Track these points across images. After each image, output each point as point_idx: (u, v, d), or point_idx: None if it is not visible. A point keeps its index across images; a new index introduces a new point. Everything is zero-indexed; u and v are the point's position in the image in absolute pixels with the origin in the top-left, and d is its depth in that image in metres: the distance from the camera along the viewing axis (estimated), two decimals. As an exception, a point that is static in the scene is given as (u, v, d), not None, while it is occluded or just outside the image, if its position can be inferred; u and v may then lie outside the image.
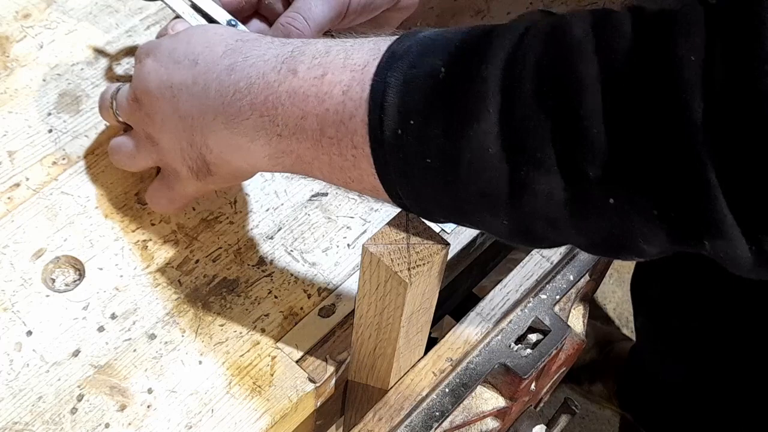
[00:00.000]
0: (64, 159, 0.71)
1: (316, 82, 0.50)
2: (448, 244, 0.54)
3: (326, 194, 0.72)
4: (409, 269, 0.53)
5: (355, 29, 0.74)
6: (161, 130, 0.60)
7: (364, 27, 0.74)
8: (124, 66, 0.77)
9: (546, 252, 0.74)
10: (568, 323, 0.72)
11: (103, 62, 0.77)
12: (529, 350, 0.69)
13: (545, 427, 0.79)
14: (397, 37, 0.49)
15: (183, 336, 0.64)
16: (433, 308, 0.60)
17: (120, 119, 0.65)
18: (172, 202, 0.65)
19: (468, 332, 0.69)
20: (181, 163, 0.61)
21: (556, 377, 0.80)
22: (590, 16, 0.43)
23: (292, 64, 0.52)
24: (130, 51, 0.78)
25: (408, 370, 0.66)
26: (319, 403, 0.65)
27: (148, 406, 0.62)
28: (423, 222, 0.55)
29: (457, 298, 0.87)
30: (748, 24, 0.38)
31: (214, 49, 0.57)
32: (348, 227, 0.70)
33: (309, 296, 0.67)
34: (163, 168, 0.65)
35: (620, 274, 1.72)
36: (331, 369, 0.64)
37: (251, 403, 0.62)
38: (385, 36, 0.51)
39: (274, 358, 0.64)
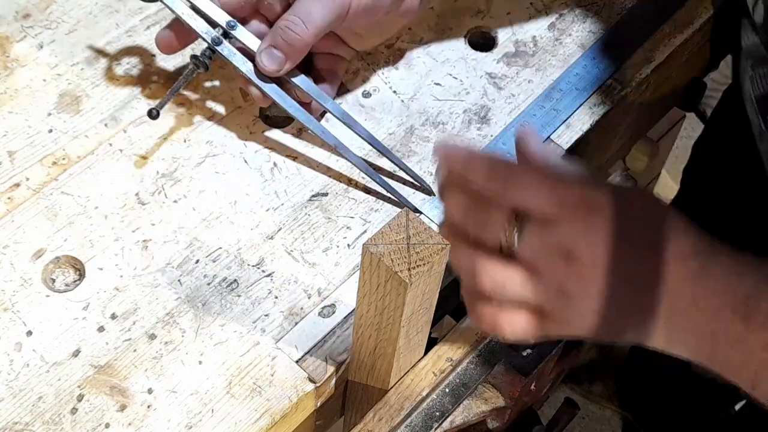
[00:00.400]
0: (64, 159, 0.71)
1: (762, 346, 0.54)
2: (448, 244, 0.54)
3: (326, 194, 0.72)
4: (409, 269, 0.53)
5: (355, 31, 0.74)
6: (592, 297, 0.57)
7: (364, 30, 0.74)
8: (124, 66, 0.77)
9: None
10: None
11: (103, 62, 0.77)
12: (529, 350, 0.69)
13: (545, 427, 0.79)
14: None
15: (183, 336, 0.64)
16: (433, 308, 0.60)
17: (516, 254, 0.59)
18: (509, 331, 0.60)
19: (468, 332, 0.69)
20: (585, 323, 0.59)
21: (556, 377, 0.80)
22: None
23: (746, 312, 0.55)
24: (130, 51, 0.78)
25: (408, 370, 0.66)
26: (319, 403, 0.65)
27: (149, 406, 0.62)
28: (423, 222, 0.55)
29: (457, 298, 0.87)
30: None
31: (680, 244, 0.57)
32: (348, 227, 0.70)
33: (309, 296, 0.67)
34: (543, 309, 0.59)
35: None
36: (331, 369, 0.64)
37: (251, 403, 0.62)
38: None
39: (274, 358, 0.64)
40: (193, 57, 0.71)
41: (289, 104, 0.71)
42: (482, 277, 0.59)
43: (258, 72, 0.70)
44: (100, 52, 0.77)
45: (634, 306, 0.58)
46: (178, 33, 0.71)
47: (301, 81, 0.71)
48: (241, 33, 0.71)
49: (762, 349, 0.56)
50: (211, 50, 0.71)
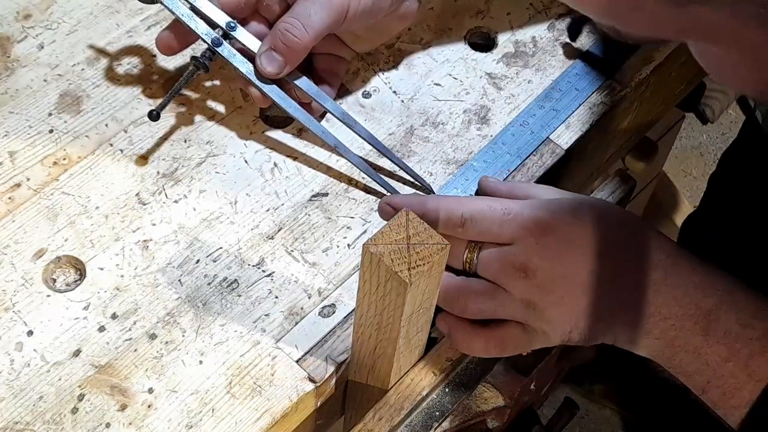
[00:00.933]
0: (65, 159, 0.72)
1: (718, 360, 0.58)
2: (447, 244, 0.54)
3: (326, 194, 0.72)
4: (409, 269, 0.53)
5: (354, 33, 0.74)
6: (554, 305, 0.61)
7: (364, 32, 0.74)
8: (125, 66, 0.77)
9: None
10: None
11: (104, 63, 0.77)
12: (527, 352, 0.69)
13: (545, 426, 0.79)
14: None
15: (183, 336, 0.65)
16: (433, 308, 0.61)
17: (477, 272, 0.63)
18: (503, 350, 0.64)
19: (468, 332, 0.69)
20: (557, 331, 0.62)
21: (555, 377, 0.80)
22: None
23: (707, 325, 0.59)
24: (131, 51, 0.78)
25: (408, 370, 0.66)
26: (319, 403, 0.65)
27: (149, 406, 0.62)
28: (423, 222, 0.55)
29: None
30: None
31: (642, 255, 0.60)
32: (348, 227, 0.71)
33: (309, 296, 0.67)
34: (520, 324, 0.63)
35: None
36: (331, 369, 0.64)
37: (252, 403, 0.62)
38: None
39: (274, 357, 0.64)
40: (194, 58, 0.71)
41: (289, 105, 0.71)
42: (455, 294, 0.64)
43: (258, 73, 0.70)
44: (101, 53, 0.77)
45: (598, 312, 0.61)
46: (178, 34, 0.71)
47: (302, 81, 0.72)
48: (241, 34, 0.71)
49: (717, 362, 0.59)
50: (211, 51, 0.71)
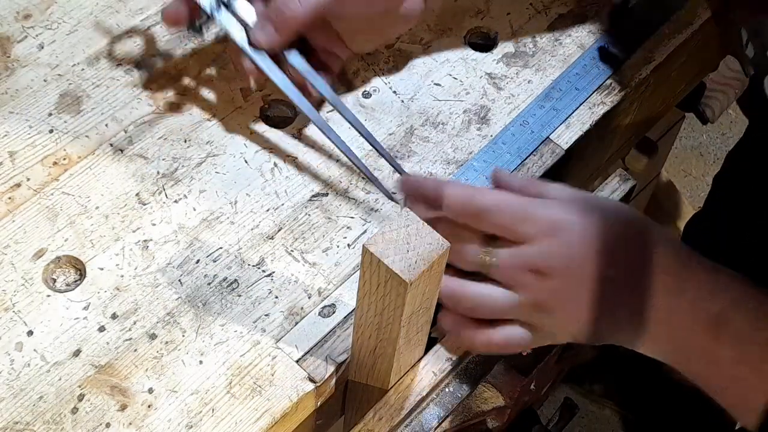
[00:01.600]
0: (65, 159, 0.72)
1: (729, 363, 0.58)
2: (448, 244, 0.54)
3: (326, 194, 0.72)
4: (409, 269, 0.53)
5: (353, 28, 0.73)
6: (562, 307, 0.60)
7: (365, 26, 0.74)
8: (125, 66, 0.77)
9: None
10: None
11: (104, 63, 0.77)
12: (529, 350, 0.69)
13: (545, 426, 0.79)
14: None
15: (183, 336, 0.65)
16: (433, 308, 0.61)
17: (491, 275, 0.62)
18: (506, 348, 0.64)
19: (468, 332, 0.69)
20: (563, 332, 0.62)
21: (556, 377, 0.80)
22: None
23: (716, 328, 0.58)
24: (131, 51, 0.78)
25: (408, 370, 0.66)
26: (319, 403, 0.65)
27: (149, 406, 0.62)
28: (423, 222, 0.55)
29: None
30: None
31: (654, 259, 0.60)
32: (348, 227, 0.71)
33: (309, 296, 0.67)
34: (526, 323, 0.62)
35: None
36: (331, 369, 0.64)
37: (252, 403, 0.62)
38: None
39: (274, 357, 0.64)
40: (191, 22, 0.71)
41: (278, 77, 0.70)
42: (463, 296, 0.62)
43: (251, 43, 0.70)
44: (101, 53, 0.77)
45: (609, 316, 0.61)
46: (184, 6, 0.71)
47: (296, 60, 0.71)
48: (240, 4, 0.70)
49: (730, 365, 0.58)
50: (208, 17, 0.70)
